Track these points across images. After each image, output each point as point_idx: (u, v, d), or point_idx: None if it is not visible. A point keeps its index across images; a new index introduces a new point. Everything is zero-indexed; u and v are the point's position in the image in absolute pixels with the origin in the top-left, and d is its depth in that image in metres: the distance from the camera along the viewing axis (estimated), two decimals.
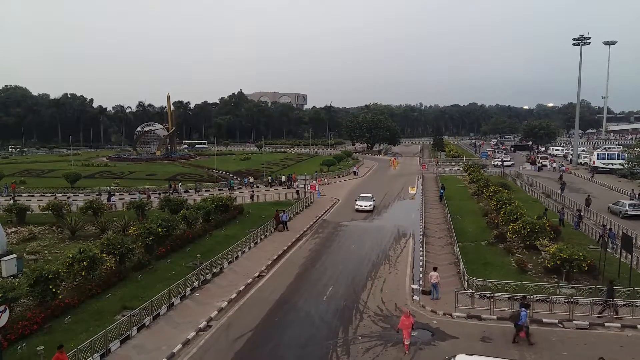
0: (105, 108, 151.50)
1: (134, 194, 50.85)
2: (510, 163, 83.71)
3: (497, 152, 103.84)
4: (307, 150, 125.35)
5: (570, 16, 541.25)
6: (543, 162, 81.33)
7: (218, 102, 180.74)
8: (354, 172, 74.89)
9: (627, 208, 39.16)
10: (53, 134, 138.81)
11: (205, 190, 56.62)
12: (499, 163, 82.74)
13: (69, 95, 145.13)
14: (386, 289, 24.53)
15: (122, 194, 53.21)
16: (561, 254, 23.95)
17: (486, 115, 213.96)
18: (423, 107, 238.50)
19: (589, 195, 45.89)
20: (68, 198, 47.31)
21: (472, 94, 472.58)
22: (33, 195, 52.95)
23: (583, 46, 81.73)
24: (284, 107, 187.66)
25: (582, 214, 37.13)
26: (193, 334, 19.31)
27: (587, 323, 19.80)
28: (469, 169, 66.52)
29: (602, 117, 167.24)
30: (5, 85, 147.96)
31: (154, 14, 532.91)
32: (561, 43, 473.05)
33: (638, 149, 49.65)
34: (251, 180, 62.28)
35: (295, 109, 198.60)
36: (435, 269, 23.42)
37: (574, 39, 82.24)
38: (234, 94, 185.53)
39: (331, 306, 22.30)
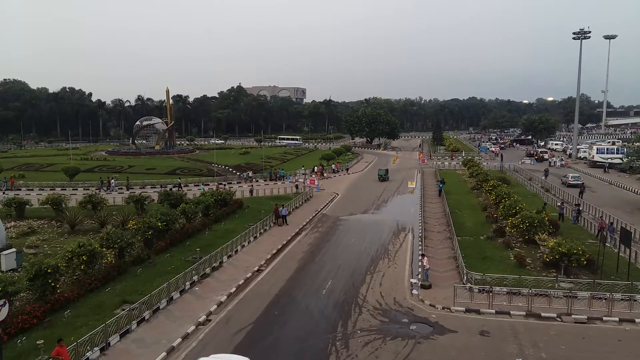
0: (104, 102, 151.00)
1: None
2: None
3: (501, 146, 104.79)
4: (307, 144, 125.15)
5: (570, 10, 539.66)
6: (544, 157, 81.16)
7: (217, 96, 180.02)
8: (333, 169, 70.42)
9: (569, 178, 53.84)
10: (52, 128, 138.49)
11: (151, 187, 53.39)
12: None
13: (67, 89, 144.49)
14: (385, 283, 24.58)
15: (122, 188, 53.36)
16: (560, 248, 24.00)
17: (486, 109, 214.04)
18: (423, 101, 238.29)
19: (582, 183, 48.67)
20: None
21: (471, 88, 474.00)
22: (32, 189, 52.95)
23: (583, 40, 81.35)
24: (284, 101, 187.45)
25: (580, 208, 37.21)
26: (193, 327, 19.36)
27: (586, 317, 19.88)
28: (468, 163, 66.45)
29: (601, 111, 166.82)
30: (4, 79, 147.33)
31: (153, 10, 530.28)
32: (561, 37, 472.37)
33: (637, 144, 49.56)
34: (250, 174, 62.32)
35: (294, 103, 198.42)
36: (423, 256, 25.58)
37: (574, 33, 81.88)
38: (233, 88, 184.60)
39: (330, 300, 22.35)
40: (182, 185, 54.34)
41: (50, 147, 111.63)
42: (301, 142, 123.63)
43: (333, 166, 72.51)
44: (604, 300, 20.59)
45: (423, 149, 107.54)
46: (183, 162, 76.38)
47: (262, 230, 34.80)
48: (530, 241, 29.46)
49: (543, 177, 57.81)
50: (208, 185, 54.15)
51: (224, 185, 54.68)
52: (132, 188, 53.79)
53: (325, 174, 66.62)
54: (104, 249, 24.88)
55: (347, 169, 73.17)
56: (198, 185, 54.26)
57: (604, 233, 27.71)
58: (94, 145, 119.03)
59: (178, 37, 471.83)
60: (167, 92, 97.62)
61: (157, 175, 62.26)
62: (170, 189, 48.44)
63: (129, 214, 34.81)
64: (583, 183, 51.26)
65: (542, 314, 20.24)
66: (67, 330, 18.29)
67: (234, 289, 23.69)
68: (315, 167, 68.69)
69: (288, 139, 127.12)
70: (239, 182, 59.50)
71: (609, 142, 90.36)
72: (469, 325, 19.51)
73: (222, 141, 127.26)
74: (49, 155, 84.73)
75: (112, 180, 54.03)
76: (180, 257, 28.02)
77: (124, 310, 19.65)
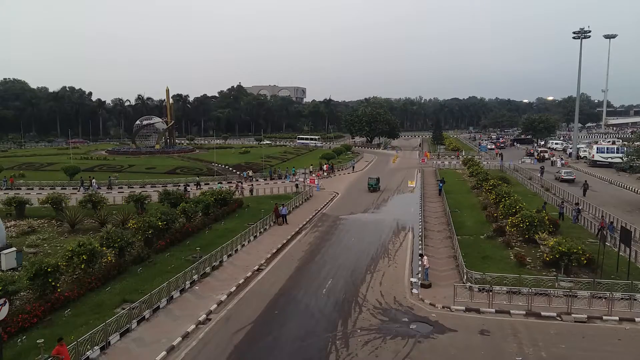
0: (104, 101, 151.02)
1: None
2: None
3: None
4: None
5: (570, 10, 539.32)
6: (545, 156, 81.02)
7: (217, 95, 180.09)
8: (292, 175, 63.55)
9: (562, 174, 57.36)
10: (52, 128, 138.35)
11: (118, 188, 53.34)
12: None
13: (67, 89, 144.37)
14: (385, 282, 24.59)
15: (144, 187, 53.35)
16: (560, 248, 24.01)
17: (486, 108, 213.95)
18: (423, 101, 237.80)
19: (585, 181, 49.22)
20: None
21: (471, 87, 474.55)
22: (32, 189, 52.93)
23: (583, 40, 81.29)
24: (284, 101, 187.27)
25: (580, 207, 37.20)
26: (193, 327, 19.37)
27: (586, 316, 19.89)
28: (468, 162, 66.41)
29: (602, 110, 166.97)
30: (4, 79, 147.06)
31: (154, 10, 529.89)
32: (561, 36, 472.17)
33: (637, 143, 49.63)
34: (250, 174, 62.32)
35: (294, 102, 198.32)
36: (422, 255, 25.90)
37: (574, 33, 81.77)
38: (233, 87, 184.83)
39: (330, 299, 22.36)
40: (199, 183, 55.61)
41: (50, 147, 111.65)
42: (321, 144, 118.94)
43: (324, 167, 72.20)
44: (604, 300, 20.59)
45: (427, 149, 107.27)
46: (183, 161, 76.35)
47: (262, 230, 34.80)
48: (530, 240, 29.45)
49: (539, 175, 59.73)
50: (222, 183, 55.43)
51: (241, 183, 54.84)
52: (113, 187, 54.04)
53: (325, 174, 66.67)
54: (104, 248, 24.89)
55: (353, 167, 73.74)
56: (208, 184, 55.40)
57: (604, 232, 27.70)
58: (94, 144, 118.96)
59: (178, 37, 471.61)
60: (167, 91, 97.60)
61: (157, 174, 62.26)
62: (185, 188, 49.06)
63: (129, 213, 34.79)
64: (575, 179, 55.29)
65: (542, 313, 20.24)
66: (67, 329, 18.30)
67: (234, 288, 23.70)
68: (324, 166, 69.54)
69: (307, 139, 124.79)
70: (239, 181, 59.39)
71: (609, 142, 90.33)
72: (469, 325, 19.52)
73: (270, 142, 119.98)
74: (48, 155, 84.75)
75: (94, 181, 53.87)
76: (180, 256, 28.02)
77: (124, 309, 19.67)
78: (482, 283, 22.44)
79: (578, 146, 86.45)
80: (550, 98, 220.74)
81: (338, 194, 51.45)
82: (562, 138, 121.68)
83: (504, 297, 21.44)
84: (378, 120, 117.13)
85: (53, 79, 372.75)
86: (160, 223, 29.37)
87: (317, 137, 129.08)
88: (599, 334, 18.62)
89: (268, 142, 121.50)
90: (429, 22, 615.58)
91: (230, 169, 68.96)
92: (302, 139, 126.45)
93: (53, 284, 20.91)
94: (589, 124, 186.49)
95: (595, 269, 24.44)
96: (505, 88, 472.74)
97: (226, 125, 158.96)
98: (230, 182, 57.03)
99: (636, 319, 19.62)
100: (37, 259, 22.55)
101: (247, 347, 17.94)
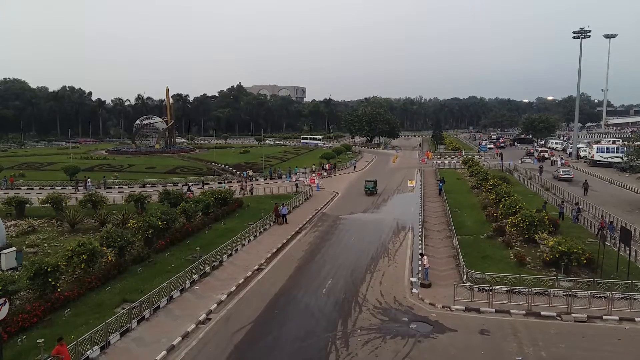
0: (104, 101, 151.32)
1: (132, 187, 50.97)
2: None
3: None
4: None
5: (570, 10, 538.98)
6: (545, 156, 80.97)
7: (217, 95, 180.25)
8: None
9: (560, 173, 57.30)
10: (52, 127, 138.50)
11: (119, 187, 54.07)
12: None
13: (67, 88, 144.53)
14: (385, 281, 24.59)
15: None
16: (560, 247, 24.00)
17: (486, 108, 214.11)
18: (423, 100, 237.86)
19: (585, 181, 49.32)
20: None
21: (471, 87, 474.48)
22: (32, 188, 52.92)
23: (583, 39, 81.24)
24: (284, 100, 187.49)
25: (580, 207, 37.20)
26: (193, 326, 19.38)
27: (586, 316, 19.88)
28: (468, 162, 66.38)
29: (602, 110, 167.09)
30: (4, 78, 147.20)
31: (154, 10, 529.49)
32: (561, 36, 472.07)
33: (637, 143, 49.64)
34: (250, 173, 62.33)
35: (294, 102, 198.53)
36: (422, 255, 25.75)
37: (574, 32, 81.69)
38: (233, 87, 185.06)
39: (330, 299, 22.36)
40: (204, 182, 56.19)
41: (50, 146, 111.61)
42: (329, 144, 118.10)
43: (326, 166, 72.40)
44: (603, 299, 20.59)
45: (427, 148, 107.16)
46: (183, 161, 76.31)
47: (262, 229, 34.80)
48: (530, 240, 29.44)
49: (538, 174, 60.23)
50: (223, 183, 55.87)
51: (245, 182, 54.99)
52: (109, 187, 54.10)
53: (326, 173, 66.71)
54: (104, 248, 24.88)
55: (354, 167, 73.73)
56: (221, 183, 56.20)
57: (604, 232, 27.69)
58: (94, 144, 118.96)
59: (178, 37, 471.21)
60: (167, 91, 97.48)
61: (157, 174, 62.26)
62: (189, 188, 49.12)
63: (129, 213, 34.79)
64: (573, 177, 56.41)
65: (542, 313, 20.25)
66: (68, 329, 18.30)
67: (234, 287, 23.71)
68: (326, 165, 69.76)
69: (311, 139, 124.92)
70: (239, 181, 59.42)
71: (609, 141, 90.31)
72: (468, 324, 19.52)
73: (278, 142, 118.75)
74: (48, 155, 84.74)
75: (88, 180, 53.88)
76: (180, 256, 28.03)
77: (124, 309, 19.68)
78: (482, 283, 22.44)
79: (578, 146, 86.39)
80: (550, 98, 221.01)
81: (338, 193, 51.45)
82: (562, 138, 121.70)
83: (503, 296, 21.45)
84: (378, 120, 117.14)
85: (53, 79, 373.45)
86: (160, 223, 29.37)
87: (320, 136, 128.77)
88: (599, 334, 18.62)
89: (276, 141, 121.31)
90: (429, 22, 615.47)
91: (230, 168, 68.97)
92: (306, 138, 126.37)
93: (53, 283, 20.91)
94: (589, 124, 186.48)
95: (595, 268, 24.43)
96: (505, 88, 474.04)
97: (226, 125, 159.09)
98: (231, 182, 57.08)
99: (636, 319, 19.62)
100: (37, 259, 22.54)
101: (247, 346, 17.94)
